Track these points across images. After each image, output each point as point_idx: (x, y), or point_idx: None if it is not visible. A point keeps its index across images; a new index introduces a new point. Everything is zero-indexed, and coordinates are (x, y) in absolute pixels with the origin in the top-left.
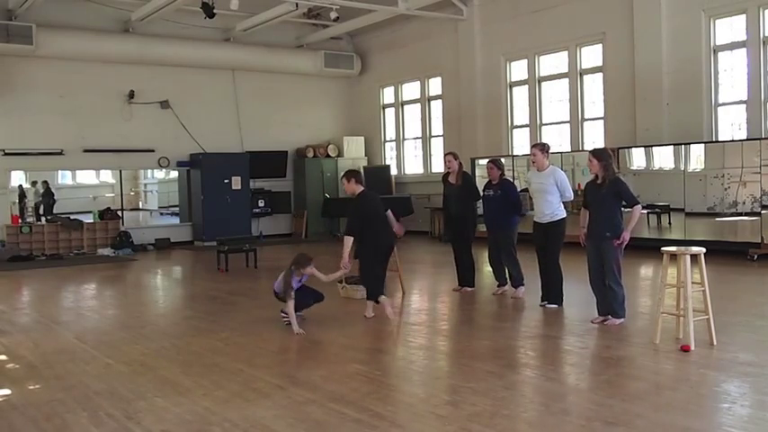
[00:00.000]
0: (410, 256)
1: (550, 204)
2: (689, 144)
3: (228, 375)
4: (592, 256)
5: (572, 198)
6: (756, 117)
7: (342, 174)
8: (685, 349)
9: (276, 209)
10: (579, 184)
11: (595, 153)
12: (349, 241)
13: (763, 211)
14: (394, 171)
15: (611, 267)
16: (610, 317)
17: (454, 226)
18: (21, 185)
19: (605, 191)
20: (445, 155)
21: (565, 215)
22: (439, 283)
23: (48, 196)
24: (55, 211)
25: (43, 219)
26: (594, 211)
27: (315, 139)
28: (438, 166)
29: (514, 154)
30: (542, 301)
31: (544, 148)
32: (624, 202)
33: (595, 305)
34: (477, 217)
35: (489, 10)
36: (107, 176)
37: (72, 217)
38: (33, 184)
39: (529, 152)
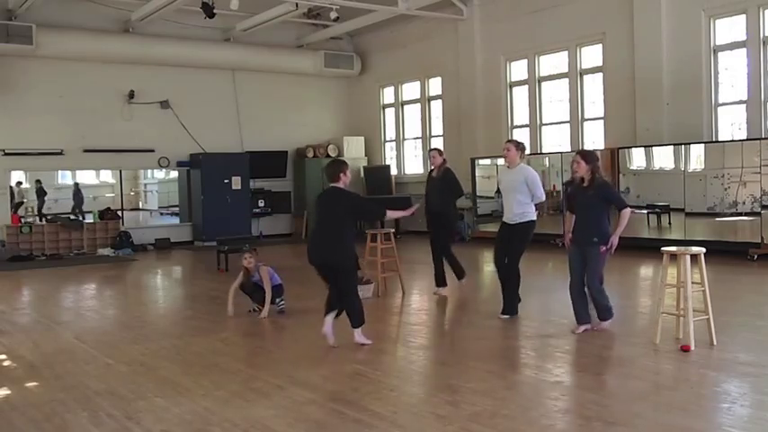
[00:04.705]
0: (410, 256)
1: (520, 204)
2: (689, 144)
3: (228, 375)
4: (574, 262)
5: (543, 199)
6: (756, 117)
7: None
8: (685, 349)
9: (276, 209)
10: (554, 186)
11: (584, 155)
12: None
13: (763, 211)
14: (394, 171)
15: (593, 273)
16: (600, 323)
17: (433, 221)
18: (11, 186)
19: (592, 194)
20: (429, 150)
21: (535, 218)
22: None
23: (39, 196)
24: (55, 211)
25: (37, 219)
26: (581, 215)
27: (315, 139)
28: None
29: None
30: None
31: (519, 145)
32: (614, 206)
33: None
34: (458, 214)
35: (489, 10)
36: (107, 176)
37: (72, 217)
38: (18, 184)
39: (525, 151)
